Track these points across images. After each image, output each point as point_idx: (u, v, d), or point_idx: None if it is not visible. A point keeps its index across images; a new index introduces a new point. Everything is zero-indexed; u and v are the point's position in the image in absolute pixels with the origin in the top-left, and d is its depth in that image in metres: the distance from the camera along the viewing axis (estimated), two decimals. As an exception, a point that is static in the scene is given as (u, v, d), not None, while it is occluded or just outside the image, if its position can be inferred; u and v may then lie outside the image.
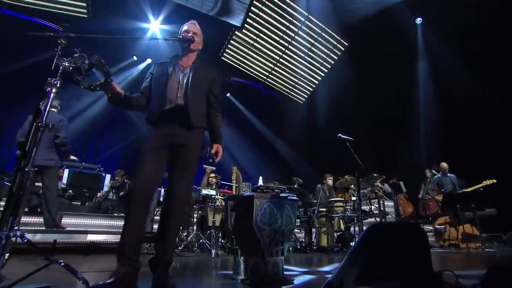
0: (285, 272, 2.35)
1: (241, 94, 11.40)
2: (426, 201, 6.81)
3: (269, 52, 10.35)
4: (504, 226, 5.96)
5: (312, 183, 6.81)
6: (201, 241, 4.71)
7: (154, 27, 8.77)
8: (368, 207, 5.56)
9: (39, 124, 1.37)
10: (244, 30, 9.57)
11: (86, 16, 8.29)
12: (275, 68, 10.90)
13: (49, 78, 1.45)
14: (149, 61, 9.62)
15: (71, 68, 1.53)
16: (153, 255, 1.88)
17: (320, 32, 9.72)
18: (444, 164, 6.47)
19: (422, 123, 8.69)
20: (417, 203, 7.15)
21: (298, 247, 5.59)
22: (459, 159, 6.67)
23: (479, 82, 7.02)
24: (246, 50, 10.32)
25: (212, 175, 5.77)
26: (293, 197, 2.42)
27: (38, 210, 4.42)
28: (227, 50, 10.29)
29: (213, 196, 5.08)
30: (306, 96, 11.78)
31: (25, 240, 1.37)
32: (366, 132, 8.55)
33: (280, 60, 10.59)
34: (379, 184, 6.11)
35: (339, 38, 9.93)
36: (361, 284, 1.51)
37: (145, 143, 1.93)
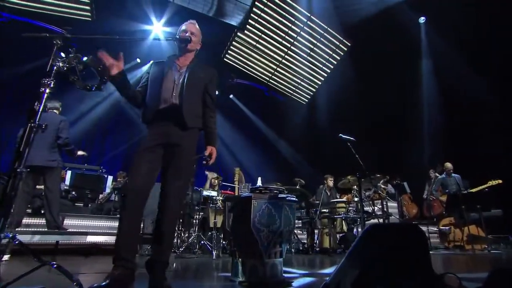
0: (285, 274, 2.32)
1: (244, 96, 11.41)
2: (430, 202, 6.72)
3: (271, 53, 10.34)
4: (510, 227, 5.86)
5: (315, 184, 6.77)
6: (202, 242, 4.69)
7: (157, 29, 8.81)
8: (371, 208, 5.50)
9: (33, 125, 1.36)
10: (246, 31, 9.58)
11: (90, 19, 8.39)
12: (278, 69, 10.89)
13: (43, 79, 1.45)
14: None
15: (65, 69, 1.52)
16: (150, 256, 1.87)
17: (323, 32, 9.69)
18: (448, 164, 6.39)
19: (426, 123, 8.62)
20: (422, 204, 7.06)
21: (300, 248, 5.55)
22: (463, 159, 6.59)
23: (483, 82, 6.94)
24: (249, 51, 10.33)
25: (214, 175, 5.77)
26: (292, 198, 2.39)
27: (42, 211, 4.45)
28: (229, 51, 10.31)
29: (214, 198, 5.06)
30: (309, 97, 11.75)
31: (17, 242, 1.36)
32: (369, 132, 8.49)
33: (283, 61, 10.58)
34: (382, 185, 6.05)
35: (342, 38, 9.90)
36: (359, 286, 1.48)
37: (142, 142, 1.92)
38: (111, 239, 4.58)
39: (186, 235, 4.95)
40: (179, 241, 4.90)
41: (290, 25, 9.51)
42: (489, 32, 6.85)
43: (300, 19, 9.36)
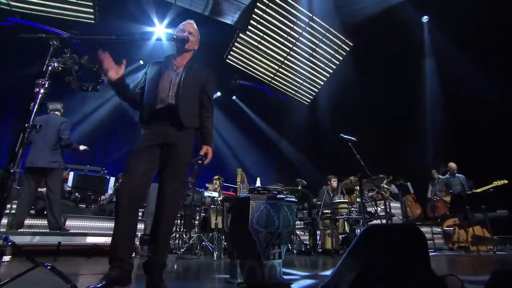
0: (285, 276, 2.29)
1: (246, 97, 11.42)
2: (434, 202, 6.64)
3: (273, 54, 10.34)
4: (516, 228, 5.76)
5: (317, 185, 6.73)
6: (203, 243, 4.68)
7: (159, 30, 8.85)
8: (373, 208, 5.44)
9: (26, 125, 1.36)
10: (248, 32, 9.59)
11: (93, 21, 8.46)
12: (280, 69, 10.88)
13: (37, 79, 1.45)
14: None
15: (60, 69, 1.52)
16: (147, 258, 1.86)
17: (325, 32, 9.66)
18: (452, 164, 6.31)
19: (429, 122, 8.52)
20: (425, 205, 6.98)
21: (303, 249, 5.51)
22: (468, 159, 6.51)
23: (487, 81, 6.84)
24: (251, 52, 10.33)
25: (216, 177, 5.76)
26: (291, 198, 2.36)
27: (45, 213, 4.47)
28: (231, 52, 10.32)
29: (215, 198, 5.05)
30: (312, 98, 11.71)
31: (10, 243, 1.35)
32: (372, 132, 8.43)
33: (285, 61, 10.57)
34: (385, 185, 5.99)
35: (344, 38, 9.85)
36: (357, 287, 1.45)
37: (137, 142, 1.91)
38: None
39: (188, 236, 4.94)
40: (180, 242, 4.90)
41: (292, 25, 9.50)
42: (492, 30, 6.76)
43: (301, 19, 9.34)
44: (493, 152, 6.52)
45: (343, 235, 5.49)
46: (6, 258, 2.98)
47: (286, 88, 11.53)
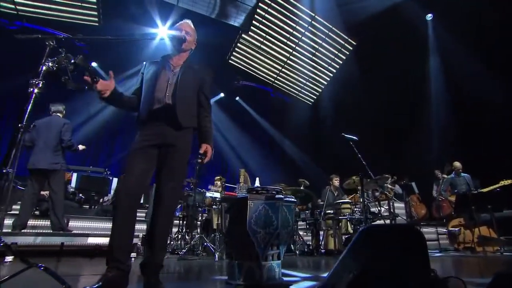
0: (285, 278, 2.26)
1: (250, 98, 11.42)
2: (439, 202, 6.55)
3: (276, 54, 10.32)
4: (524, 229, 5.63)
5: (320, 185, 6.69)
6: (205, 244, 4.66)
7: (163, 32, 8.88)
8: (377, 208, 5.38)
9: (20, 125, 1.36)
10: (250, 33, 9.58)
11: (97, 24, 8.54)
12: (283, 70, 10.85)
13: (31, 79, 1.45)
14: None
15: (54, 69, 1.52)
16: (144, 259, 1.85)
17: (327, 32, 9.61)
18: (457, 164, 6.22)
19: (434, 121, 8.41)
20: (430, 205, 6.88)
21: (305, 250, 5.47)
22: (474, 158, 6.41)
23: (493, 79, 6.73)
24: (253, 53, 10.32)
25: (218, 177, 5.75)
26: (290, 199, 2.34)
27: (48, 213, 4.51)
28: (234, 53, 10.32)
29: (217, 199, 5.04)
30: (315, 98, 11.66)
31: (1, 244, 1.35)
32: (376, 132, 8.36)
33: (288, 62, 10.54)
34: (389, 185, 5.92)
35: (347, 37, 9.78)
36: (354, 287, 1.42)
37: (134, 143, 1.90)
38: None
39: (190, 236, 4.94)
40: (182, 242, 4.90)
41: (294, 25, 9.47)
42: (496, 30, 6.65)
43: (304, 19, 9.31)
44: (496, 152, 6.41)
45: (346, 236, 5.43)
46: (9, 258, 2.99)
47: (289, 88, 11.50)
